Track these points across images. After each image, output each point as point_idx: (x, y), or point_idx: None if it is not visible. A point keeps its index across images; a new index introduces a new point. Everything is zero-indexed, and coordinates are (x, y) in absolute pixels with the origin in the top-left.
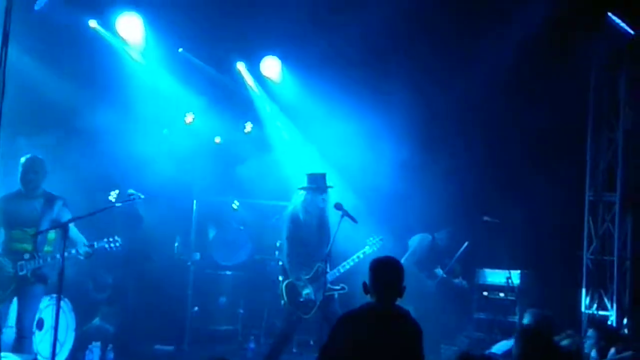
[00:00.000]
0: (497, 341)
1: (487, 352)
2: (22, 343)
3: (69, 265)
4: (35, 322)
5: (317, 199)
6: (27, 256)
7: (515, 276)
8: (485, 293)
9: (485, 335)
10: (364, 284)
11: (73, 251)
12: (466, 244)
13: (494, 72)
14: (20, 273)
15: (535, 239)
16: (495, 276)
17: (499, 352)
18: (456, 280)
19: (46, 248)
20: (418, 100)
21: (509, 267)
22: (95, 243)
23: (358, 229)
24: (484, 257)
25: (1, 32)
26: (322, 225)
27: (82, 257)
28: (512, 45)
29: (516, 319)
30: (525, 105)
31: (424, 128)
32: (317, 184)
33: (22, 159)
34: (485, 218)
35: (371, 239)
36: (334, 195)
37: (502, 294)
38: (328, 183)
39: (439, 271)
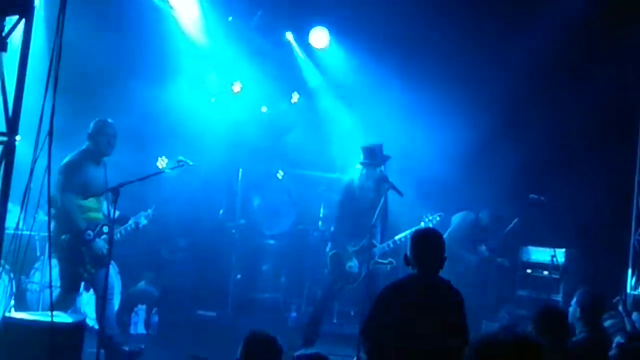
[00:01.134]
0: None
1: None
2: (110, 304)
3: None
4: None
5: (373, 173)
6: (105, 229)
7: (560, 254)
8: (528, 270)
9: (528, 312)
10: (405, 256)
11: (132, 224)
12: (516, 220)
13: (550, 48)
14: (105, 250)
15: (583, 218)
16: (540, 254)
17: None
18: (499, 259)
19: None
20: (469, 75)
21: (554, 246)
22: (150, 211)
23: (410, 205)
24: (529, 234)
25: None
26: (378, 198)
27: (140, 228)
28: (571, 22)
29: (559, 297)
30: (578, 84)
31: (474, 104)
32: (375, 156)
33: (109, 120)
34: (532, 196)
35: (429, 215)
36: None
37: (545, 272)
38: (384, 154)
39: (483, 249)
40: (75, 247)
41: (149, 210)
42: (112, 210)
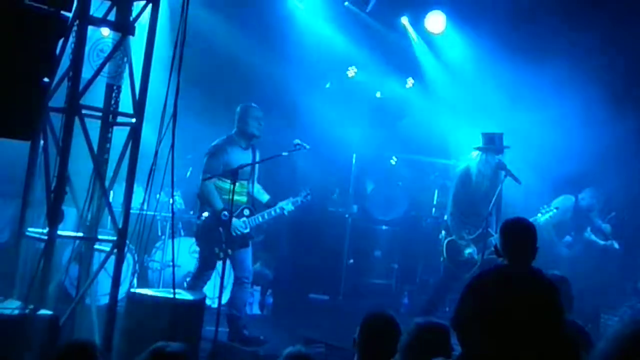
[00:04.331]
0: None
1: None
2: (244, 288)
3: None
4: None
5: (492, 159)
6: (247, 212)
7: None
8: None
9: None
10: (495, 247)
11: (278, 210)
12: (612, 214)
13: None
14: (245, 231)
15: None
16: None
17: None
18: (602, 242)
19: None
20: (592, 59)
21: None
22: (300, 198)
23: (528, 194)
24: None
25: None
26: (494, 186)
27: (285, 214)
28: None
29: None
30: None
31: (599, 88)
32: (494, 144)
33: (253, 105)
34: None
35: (545, 207)
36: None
37: None
38: (505, 143)
39: (588, 233)
40: (212, 226)
41: (298, 197)
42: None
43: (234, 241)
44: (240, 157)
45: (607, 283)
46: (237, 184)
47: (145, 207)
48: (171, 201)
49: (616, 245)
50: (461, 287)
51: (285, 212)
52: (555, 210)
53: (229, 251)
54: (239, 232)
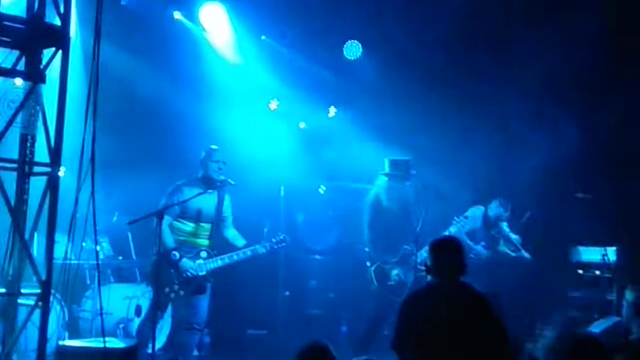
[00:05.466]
0: (594, 320)
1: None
2: (193, 333)
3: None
4: (134, 309)
5: (400, 185)
6: (204, 254)
7: (611, 253)
8: (580, 271)
9: (582, 314)
10: (426, 265)
11: (249, 252)
12: (528, 214)
13: (583, 49)
14: (199, 273)
15: (632, 214)
16: (591, 253)
17: (598, 331)
18: (514, 254)
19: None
20: (503, 82)
21: (605, 244)
22: (268, 245)
23: (447, 208)
24: (579, 234)
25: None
26: (405, 210)
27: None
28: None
29: (613, 296)
30: (618, 78)
31: (512, 105)
32: (400, 170)
33: (214, 147)
34: (579, 194)
35: (456, 218)
36: (420, 176)
37: (598, 272)
38: (411, 169)
39: (501, 247)
40: (163, 266)
41: (267, 243)
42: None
43: (188, 284)
44: (200, 199)
45: (538, 293)
46: (196, 225)
47: (71, 256)
48: (98, 248)
49: (527, 255)
50: (397, 309)
51: (258, 254)
52: (465, 220)
53: (181, 292)
54: (190, 274)
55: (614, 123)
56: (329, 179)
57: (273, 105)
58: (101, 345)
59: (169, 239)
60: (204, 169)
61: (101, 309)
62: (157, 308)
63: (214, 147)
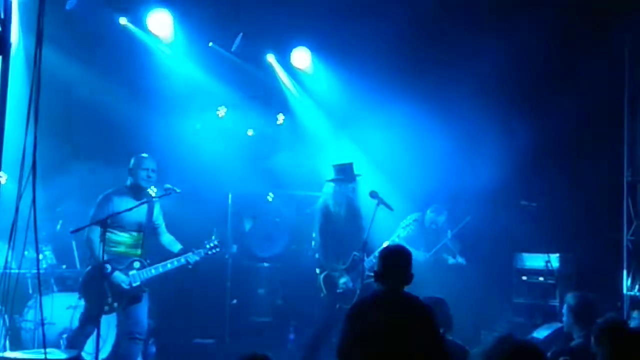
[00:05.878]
0: (537, 326)
1: (528, 336)
2: (135, 343)
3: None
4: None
5: (346, 189)
6: (137, 265)
7: (555, 260)
8: (524, 277)
9: (526, 320)
10: (375, 272)
11: (183, 260)
12: (467, 219)
13: (531, 57)
14: (134, 284)
15: (574, 221)
16: (534, 260)
17: (541, 337)
18: (452, 261)
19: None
20: (453, 88)
21: (548, 251)
22: (202, 251)
23: (395, 215)
24: (522, 241)
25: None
26: (353, 214)
27: (190, 267)
28: (547, 30)
29: (556, 302)
30: (562, 88)
31: (458, 116)
32: (345, 174)
33: (144, 155)
34: (523, 202)
35: (404, 221)
36: (368, 183)
37: (541, 278)
38: (356, 172)
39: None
40: (95, 278)
41: (200, 250)
42: (101, 245)
43: (121, 297)
44: (129, 208)
45: (482, 299)
46: (128, 235)
47: (12, 264)
48: (41, 257)
49: (463, 262)
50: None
51: (191, 263)
52: (402, 229)
53: (115, 304)
54: (124, 287)
55: (563, 130)
56: (277, 186)
57: (221, 112)
58: (42, 357)
59: (99, 250)
60: (133, 177)
61: (42, 319)
62: (88, 321)
63: (143, 155)
